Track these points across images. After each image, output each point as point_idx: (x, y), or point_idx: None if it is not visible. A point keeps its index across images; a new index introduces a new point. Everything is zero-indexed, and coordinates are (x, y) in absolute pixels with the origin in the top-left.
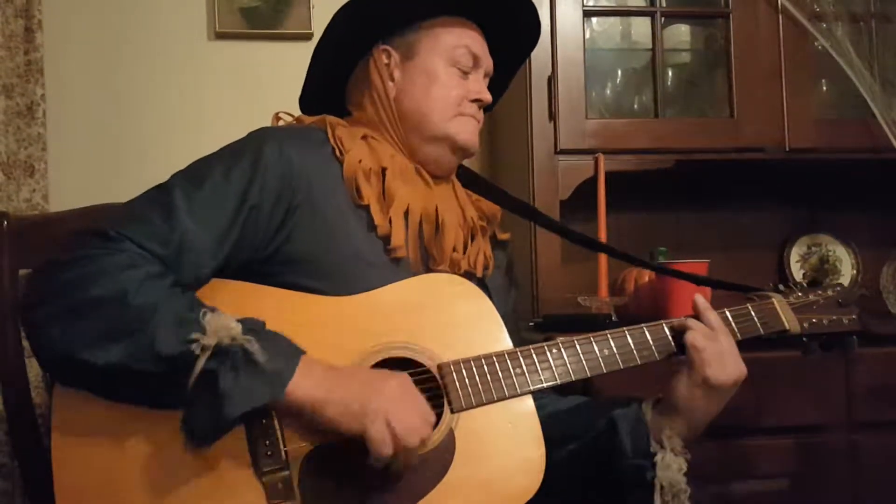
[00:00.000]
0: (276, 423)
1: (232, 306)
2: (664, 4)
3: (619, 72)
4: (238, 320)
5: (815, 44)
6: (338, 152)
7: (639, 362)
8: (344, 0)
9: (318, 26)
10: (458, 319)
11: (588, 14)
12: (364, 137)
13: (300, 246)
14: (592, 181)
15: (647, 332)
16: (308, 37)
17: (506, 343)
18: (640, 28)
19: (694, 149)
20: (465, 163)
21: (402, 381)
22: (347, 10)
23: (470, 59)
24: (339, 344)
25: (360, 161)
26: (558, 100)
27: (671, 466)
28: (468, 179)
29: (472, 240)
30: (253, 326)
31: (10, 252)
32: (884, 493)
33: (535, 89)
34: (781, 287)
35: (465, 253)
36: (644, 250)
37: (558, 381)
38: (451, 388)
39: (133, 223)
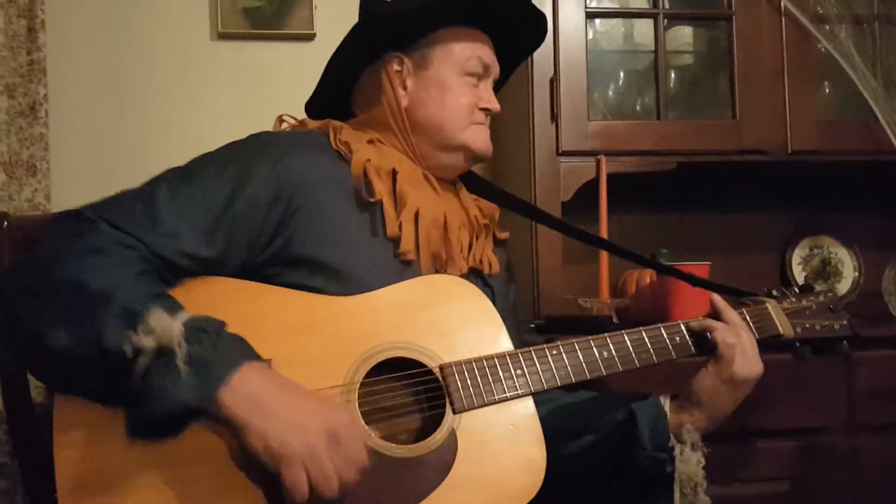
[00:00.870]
0: None
1: (231, 305)
2: (667, 6)
3: (622, 73)
4: (191, 320)
5: (818, 46)
6: (344, 154)
7: (637, 365)
8: (347, 1)
9: (321, 27)
10: (459, 320)
11: (591, 15)
12: (371, 141)
13: (303, 248)
14: (594, 183)
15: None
16: (310, 37)
17: (506, 344)
18: (643, 30)
19: (696, 151)
20: None
21: (336, 421)
22: (362, 24)
23: (481, 68)
24: (341, 344)
25: (368, 160)
26: (560, 101)
27: (691, 460)
28: (468, 180)
29: (476, 240)
30: (202, 328)
31: (12, 252)
32: (884, 495)
33: (538, 91)
34: (775, 292)
35: (470, 252)
36: (646, 252)
37: (558, 383)
38: (452, 389)
39: (113, 208)
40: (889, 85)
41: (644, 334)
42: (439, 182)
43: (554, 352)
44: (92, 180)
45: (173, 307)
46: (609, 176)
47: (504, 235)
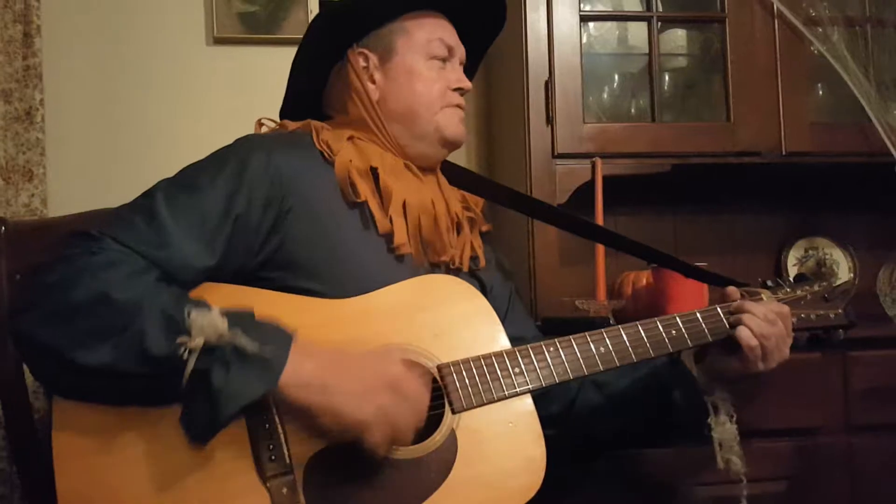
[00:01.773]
0: (278, 426)
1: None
2: (661, 9)
3: (616, 76)
4: (225, 312)
5: (811, 48)
6: (326, 155)
7: (634, 359)
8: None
9: None
10: (456, 320)
11: (585, 19)
12: (350, 138)
13: (296, 250)
14: (590, 185)
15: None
16: None
17: (504, 343)
18: (637, 33)
19: (691, 153)
20: (459, 164)
21: (395, 374)
22: (320, 19)
23: (445, 49)
24: (339, 347)
25: (350, 160)
26: (555, 104)
27: (726, 425)
28: (455, 177)
29: (459, 232)
30: (240, 318)
31: (9, 257)
32: (881, 495)
33: (533, 93)
34: (770, 283)
35: (453, 245)
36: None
37: (556, 380)
38: (451, 389)
39: (117, 225)
40: (882, 86)
41: (640, 328)
42: (422, 171)
43: (551, 349)
44: (88, 185)
45: (203, 304)
46: (604, 178)
47: (486, 227)
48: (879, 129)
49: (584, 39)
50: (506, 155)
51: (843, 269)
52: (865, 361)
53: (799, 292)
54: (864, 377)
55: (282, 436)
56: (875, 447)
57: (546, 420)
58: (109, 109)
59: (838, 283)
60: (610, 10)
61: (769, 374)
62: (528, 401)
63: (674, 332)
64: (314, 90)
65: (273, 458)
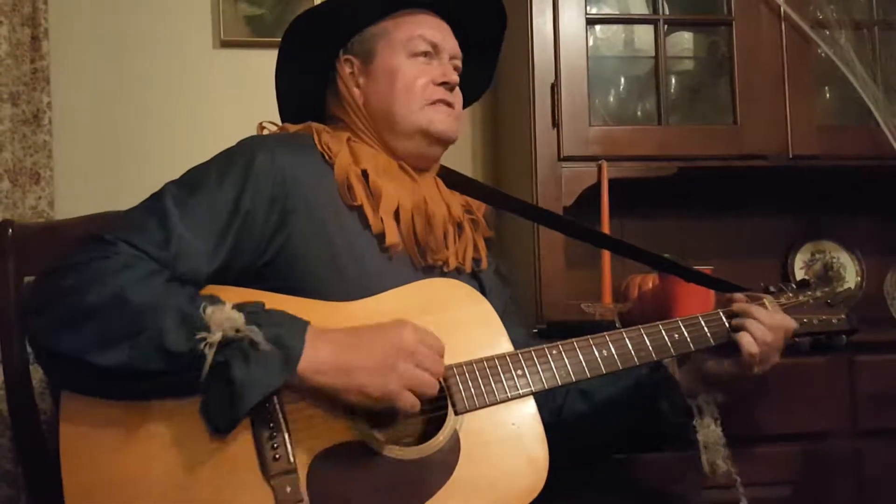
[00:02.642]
0: (283, 425)
1: None
2: (667, 12)
3: (623, 79)
4: (238, 306)
5: (818, 51)
6: (327, 157)
7: (637, 363)
8: None
9: None
10: (459, 323)
11: (591, 21)
12: (348, 140)
13: (298, 250)
14: (596, 188)
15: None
16: None
17: (506, 345)
18: (643, 35)
19: (697, 156)
20: (466, 167)
21: (408, 342)
22: (297, 26)
23: (427, 45)
24: None
25: (349, 163)
26: (561, 107)
27: (710, 426)
28: (455, 183)
29: (460, 235)
30: (254, 311)
31: (16, 259)
32: (888, 500)
33: (539, 96)
34: (772, 288)
35: (453, 247)
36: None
37: (559, 382)
38: (454, 391)
39: (129, 229)
40: (889, 89)
41: (643, 332)
42: (419, 174)
43: (554, 352)
44: (95, 188)
45: (216, 299)
46: (610, 181)
47: (489, 233)
48: (887, 132)
49: (591, 42)
50: (512, 158)
51: (850, 272)
52: (872, 365)
53: (802, 297)
54: (871, 381)
55: (286, 434)
56: (882, 452)
57: None
58: (116, 112)
59: (841, 288)
60: (616, 12)
61: (758, 378)
62: (530, 402)
63: (676, 335)
64: (314, 95)
65: (277, 456)
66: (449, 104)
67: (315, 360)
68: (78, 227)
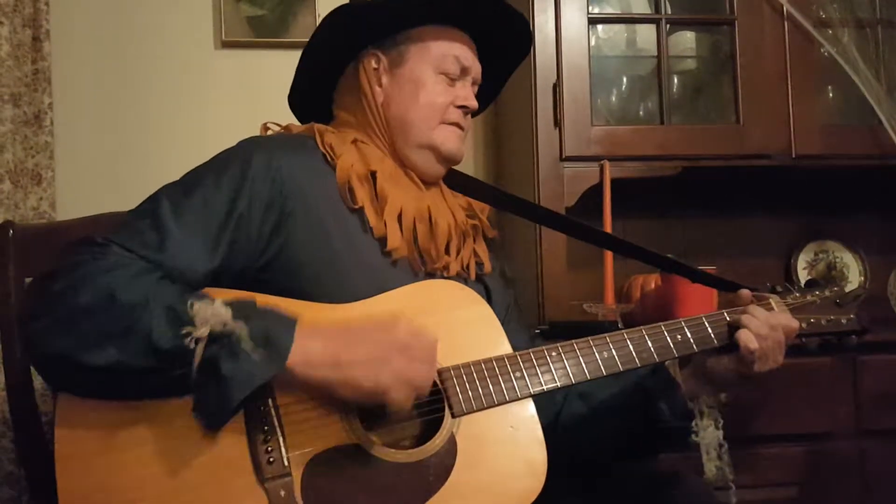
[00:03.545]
0: (277, 428)
1: None
2: (669, 11)
3: (625, 79)
4: (227, 302)
5: (821, 50)
6: (329, 158)
7: (638, 364)
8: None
9: None
10: (457, 325)
11: (593, 21)
12: (354, 142)
13: (297, 252)
14: (598, 188)
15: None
16: None
17: (505, 348)
18: (646, 35)
19: (700, 155)
20: (468, 167)
21: (401, 337)
22: (336, 16)
23: (458, 67)
24: None
25: (351, 165)
26: (563, 107)
27: (709, 429)
28: (459, 185)
29: (464, 242)
30: (243, 306)
31: (17, 261)
32: (892, 500)
33: (541, 96)
34: (779, 288)
35: (458, 255)
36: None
37: (558, 385)
38: (451, 393)
39: (122, 232)
40: (892, 88)
41: (644, 333)
42: (423, 182)
43: (553, 354)
44: (97, 189)
45: (205, 296)
46: (613, 181)
47: (493, 234)
48: (890, 131)
49: (593, 42)
50: (514, 158)
51: (853, 272)
52: (876, 365)
53: (809, 297)
54: (874, 381)
55: (280, 438)
56: (886, 451)
57: None
58: (118, 113)
59: (850, 288)
60: (618, 12)
61: (760, 379)
62: (529, 405)
63: (679, 336)
64: (325, 87)
65: (271, 459)
66: (461, 127)
67: (305, 353)
68: (79, 229)
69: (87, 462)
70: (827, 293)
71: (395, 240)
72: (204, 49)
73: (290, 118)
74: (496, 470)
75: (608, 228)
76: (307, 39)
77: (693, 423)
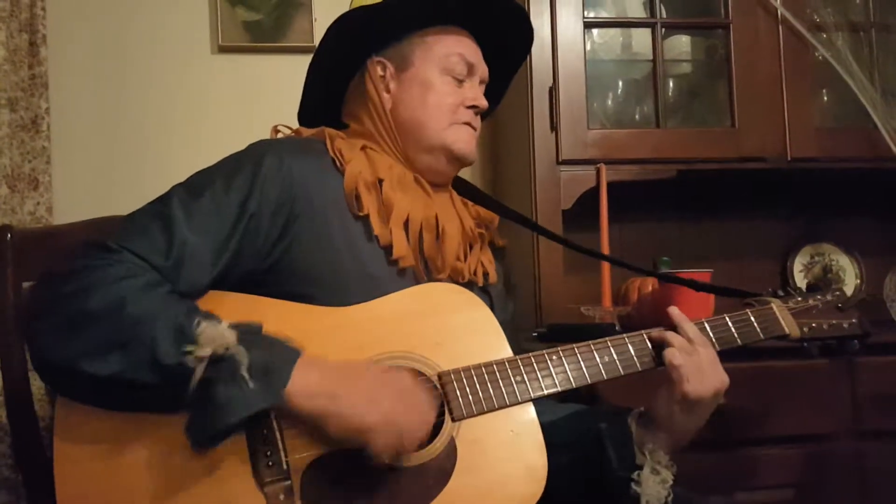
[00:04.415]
0: (277, 432)
1: (231, 319)
2: (664, 15)
3: (620, 82)
4: (234, 325)
5: (816, 53)
6: (338, 164)
7: (639, 369)
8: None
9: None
10: (458, 328)
11: (589, 25)
12: (363, 148)
13: (302, 255)
14: (594, 191)
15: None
16: (310, 50)
17: (506, 352)
18: (641, 39)
19: (695, 159)
20: (464, 171)
21: (402, 384)
22: (340, 25)
23: (464, 66)
24: (341, 354)
25: (360, 172)
26: (560, 110)
27: (653, 481)
28: (466, 191)
29: (471, 249)
30: (249, 332)
31: (14, 265)
32: (890, 502)
33: (537, 100)
34: (780, 292)
35: (465, 262)
36: (647, 260)
37: (559, 389)
38: (451, 397)
39: (132, 235)
40: (886, 92)
41: (645, 337)
42: (433, 187)
43: (554, 357)
44: (94, 193)
45: (212, 317)
46: (609, 184)
47: (501, 243)
48: (884, 134)
49: (588, 46)
50: (510, 161)
51: (849, 275)
52: (873, 367)
53: (811, 301)
54: (872, 383)
55: (280, 442)
56: (883, 453)
57: None
58: (115, 118)
59: (851, 292)
60: (614, 16)
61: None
62: (529, 409)
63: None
64: (333, 98)
65: (270, 463)
66: (473, 127)
67: (303, 385)
68: (76, 233)
69: (85, 467)
70: (829, 297)
71: (401, 248)
72: (201, 54)
73: (287, 122)
74: (496, 474)
75: (605, 231)
76: (304, 44)
77: (635, 474)
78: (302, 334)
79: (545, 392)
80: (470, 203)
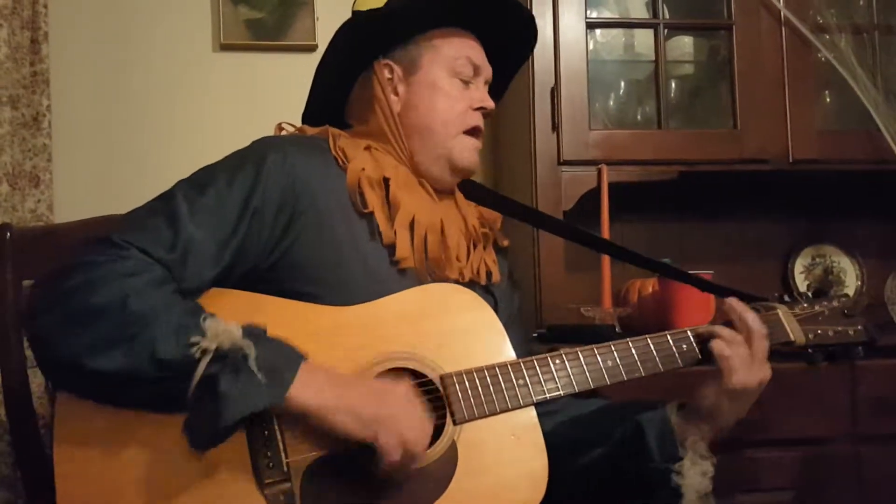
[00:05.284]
0: (277, 433)
1: (233, 316)
2: (667, 16)
3: (623, 83)
4: (239, 325)
5: (818, 55)
6: (340, 161)
7: (643, 373)
8: (348, 12)
9: (322, 38)
10: (461, 330)
11: (591, 26)
12: (367, 148)
13: (304, 253)
14: (596, 192)
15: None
16: (312, 48)
17: (509, 354)
18: (643, 39)
19: (697, 160)
20: None
21: (406, 391)
22: (348, 28)
23: (471, 68)
24: (342, 354)
25: (363, 169)
26: (561, 111)
27: (694, 472)
28: (475, 194)
29: (474, 248)
30: (254, 332)
31: (14, 263)
32: None
33: (539, 100)
34: (786, 298)
35: (468, 261)
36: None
37: (561, 392)
38: (453, 400)
39: (137, 230)
40: (889, 94)
41: (650, 342)
42: (436, 191)
43: (557, 361)
44: (95, 191)
45: (216, 317)
46: (610, 185)
47: (505, 243)
48: (887, 135)
49: (591, 46)
50: (512, 161)
51: (850, 277)
52: (873, 370)
53: (817, 307)
54: (871, 386)
55: (280, 444)
56: (883, 457)
57: None
58: (116, 115)
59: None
60: (616, 16)
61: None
62: (531, 413)
63: (685, 346)
64: (337, 99)
65: (271, 465)
66: (479, 134)
67: (308, 384)
68: (77, 231)
69: (85, 465)
70: (835, 303)
71: (404, 250)
72: (202, 52)
73: (289, 120)
74: (497, 478)
75: (606, 232)
76: (306, 43)
77: (677, 465)
78: (303, 333)
79: (548, 396)
80: (473, 203)
